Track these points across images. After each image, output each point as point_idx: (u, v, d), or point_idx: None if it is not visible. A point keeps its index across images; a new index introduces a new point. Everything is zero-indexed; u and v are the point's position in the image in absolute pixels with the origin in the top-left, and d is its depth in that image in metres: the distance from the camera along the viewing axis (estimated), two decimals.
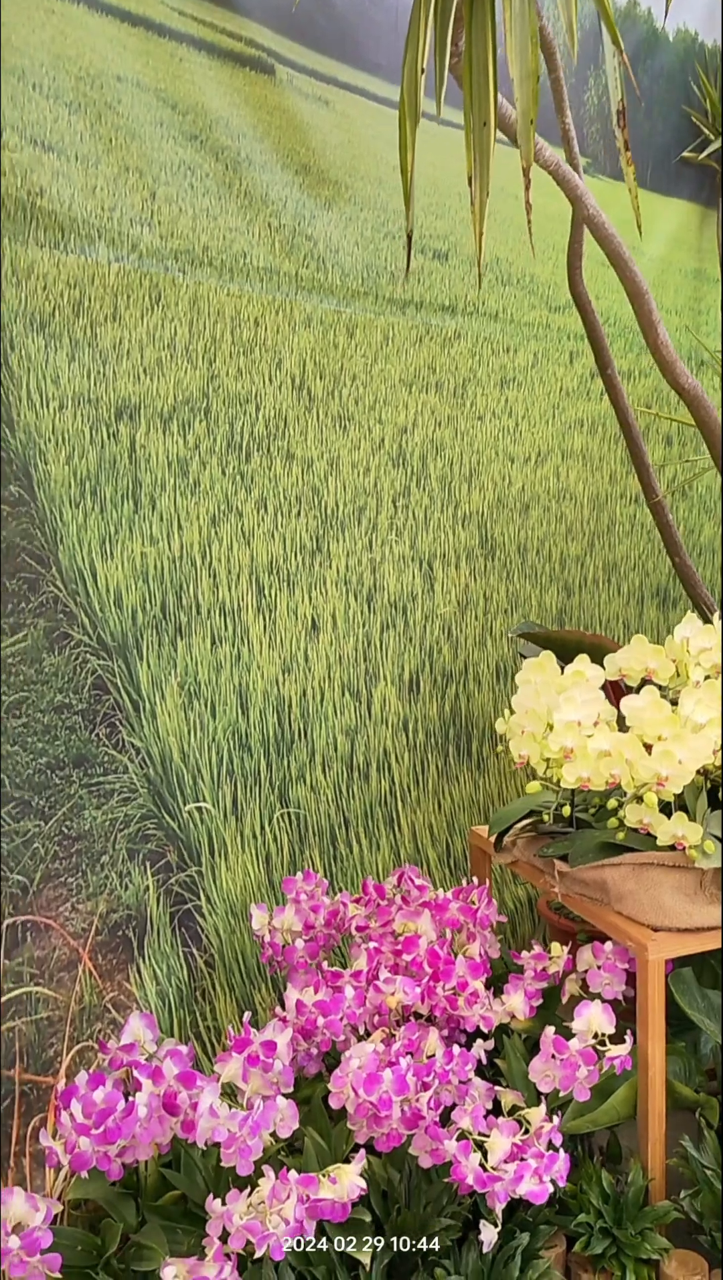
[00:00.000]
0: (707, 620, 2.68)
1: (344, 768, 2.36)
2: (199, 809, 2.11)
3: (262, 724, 2.21)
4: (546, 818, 1.72)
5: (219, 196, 2.09)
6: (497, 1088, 1.65)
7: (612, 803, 1.64)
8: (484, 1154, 1.49)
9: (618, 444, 2.93)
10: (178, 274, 2.04)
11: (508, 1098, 1.65)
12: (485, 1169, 1.46)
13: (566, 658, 1.99)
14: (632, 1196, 1.64)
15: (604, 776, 1.62)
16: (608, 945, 1.71)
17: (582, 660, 1.77)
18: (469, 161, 1.27)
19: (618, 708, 1.78)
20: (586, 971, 1.75)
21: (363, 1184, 1.39)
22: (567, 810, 1.68)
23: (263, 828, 2.21)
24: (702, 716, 1.66)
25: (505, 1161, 1.48)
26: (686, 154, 3.09)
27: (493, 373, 2.64)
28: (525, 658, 2.54)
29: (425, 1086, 1.54)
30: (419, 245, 2.47)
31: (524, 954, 1.78)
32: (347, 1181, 1.38)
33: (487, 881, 1.91)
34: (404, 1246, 1.51)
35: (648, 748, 1.63)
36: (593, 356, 2.53)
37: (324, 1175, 1.42)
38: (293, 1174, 1.39)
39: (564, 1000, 1.78)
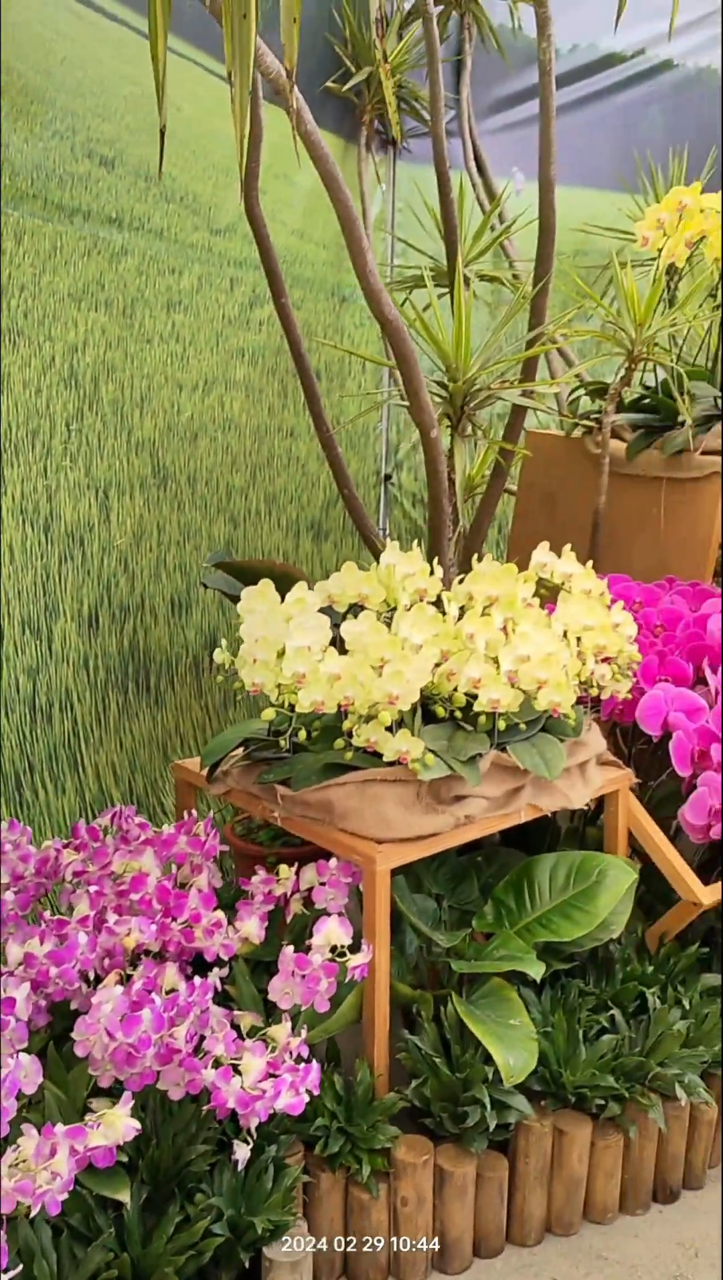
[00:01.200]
0: (374, 551, 2.81)
1: (27, 710, 2.23)
2: None
3: None
4: (282, 743, 1.74)
5: None
6: (234, 1012, 1.67)
7: (348, 723, 1.68)
8: (239, 1077, 1.50)
9: (275, 376, 2.96)
10: None
11: (247, 1020, 1.67)
12: (246, 1090, 1.48)
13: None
14: (361, 1094, 1.73)
15: (337, 699, 1.66)
16: (333, 862, 1.77)
17: (300, 588, 1.79)
18: (229, 56, 1.22)
19: None
20: (309, 890, 1.80)
21: (137, 1124, 1.36)
22: (303, 735, 1.70)
23: None
24: (417, 638, 1.75)
25: (260, 1081, 1.51)
26: (329, 84, 3.11)
27: (160, 294, 2.56)
28: (207, 587, 2.53)
29: (171, 1022, 1.52)
30: (85, 149, 2.32)
31: (253, 879, 1.79)
32: (120, 1125, 1.34)
33: (210, 813, 1.90)
34: (162, 1177, 1.50)
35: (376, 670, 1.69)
36: (267, 283, 2.52)
37: (86, 1124, 1.37)
38: (59, 1127, 1.32)
39: (288, 920, 1.82)
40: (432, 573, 1.88)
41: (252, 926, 1.72)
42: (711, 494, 2.47)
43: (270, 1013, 1.73)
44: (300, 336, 2.54)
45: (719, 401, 2.52)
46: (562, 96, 3.08)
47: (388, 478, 3.48)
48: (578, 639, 1.90)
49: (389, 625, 1.79)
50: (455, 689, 1.76)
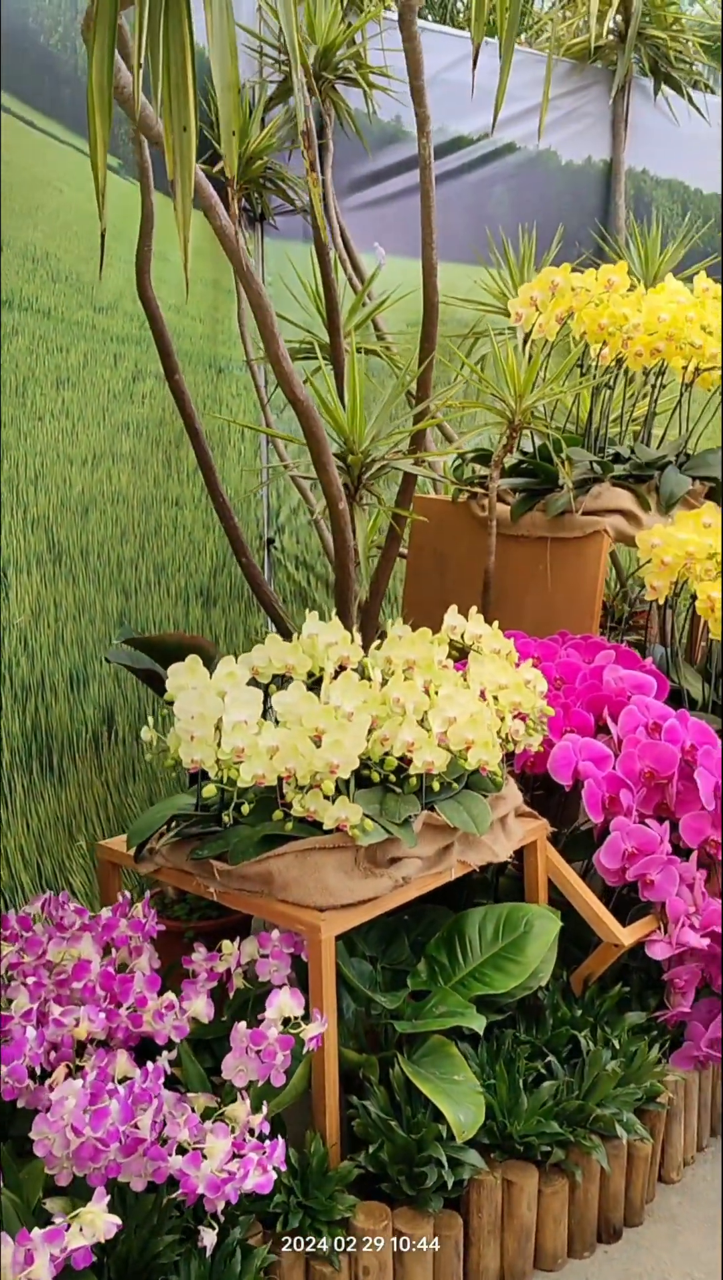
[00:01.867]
0: (275, 616, 2.85)
1: None
2: None
3: None
4: (226, 818, 1.74)
5: None
6: (186, 1095, 1.65)
7: (288, 794, 1.70)
8: (207, 1161, 1.48)
9: (159, 447, 2.97)
10: None
11: (200, 1102, 1.65)
12: (215, 1174, 1.46)
13: (166, 661, 2.02)
14: (316, 1165, 1.73)
15: (278, 771, 1.68)
16: (275, 934, 1.78)
17: (228, 662, 1.81)
18: (171, 165, 1.26)
19: None
20: (250, 963, 1.80)
21: (118, 1220, 1.33)
22: (246, 808, 1.71)
23: None
24: (349, 706, 1.79)
25: (226, 1163, 1.49)
26: (200, 165, 3.18)
27: (50, 372, 2.56)
28: (109, 661, 2.51)
29: (133, 1112, 1.49)
30: None
31: (195, 957, 1.78)
32: (100, 1223, 1.31)
33: (146, 895, 1.88)
34: (130, 1273, 1.47)
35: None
36: (160, 360, 2.55)
37: (62, 1225, 1.33)
38: (36, 1232, 1.28)
39: (231, 995, 1.81)
40: (352, 640, 1.93)
41: (200, 1005, 1.70)
42: (593, 552, 2.61)
43: (217, 1092, 1.71)
44: (194, 410, 2.57)
45: (596, 465, 2.67)
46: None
47: (271, 541, 3.52)
48: (495, 697, 1.98)
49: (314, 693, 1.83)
50: (388, 753, 1.81)
